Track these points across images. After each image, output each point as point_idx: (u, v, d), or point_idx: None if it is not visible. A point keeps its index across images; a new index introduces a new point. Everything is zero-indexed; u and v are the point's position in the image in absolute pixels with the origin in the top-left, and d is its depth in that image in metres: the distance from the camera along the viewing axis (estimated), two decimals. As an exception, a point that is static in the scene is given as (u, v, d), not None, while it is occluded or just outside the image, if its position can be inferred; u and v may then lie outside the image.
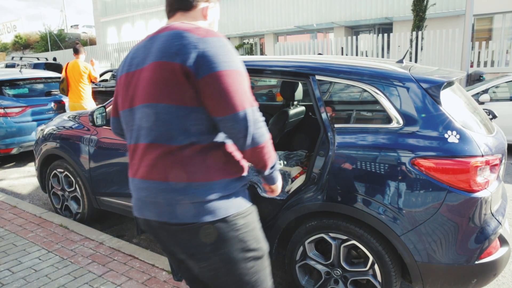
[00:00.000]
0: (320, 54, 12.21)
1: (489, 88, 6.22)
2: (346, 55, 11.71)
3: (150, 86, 1.22)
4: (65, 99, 6.40)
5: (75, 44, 6.17)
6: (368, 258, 2.14)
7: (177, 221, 1.23)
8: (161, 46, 1.21)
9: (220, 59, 1.17)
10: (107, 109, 3.18)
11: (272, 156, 1.32)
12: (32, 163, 6.09)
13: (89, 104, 5.88)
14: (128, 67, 1.33)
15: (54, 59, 15.80)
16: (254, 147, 1.24)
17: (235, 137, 1.22)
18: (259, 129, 1.23)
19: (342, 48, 12.69)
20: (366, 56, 12.59)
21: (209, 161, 1.25)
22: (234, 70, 1.20)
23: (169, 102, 1.20)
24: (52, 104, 6.25)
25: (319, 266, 2.32)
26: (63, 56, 22.13)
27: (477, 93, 6.19)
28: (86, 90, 5.94)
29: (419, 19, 11.36)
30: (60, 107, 6.35)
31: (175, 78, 1.18)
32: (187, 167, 1.22)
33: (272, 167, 1.36)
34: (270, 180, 1.43)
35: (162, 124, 1.22)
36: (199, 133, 1.24)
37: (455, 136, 1.92)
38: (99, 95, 11.88)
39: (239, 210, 1.28)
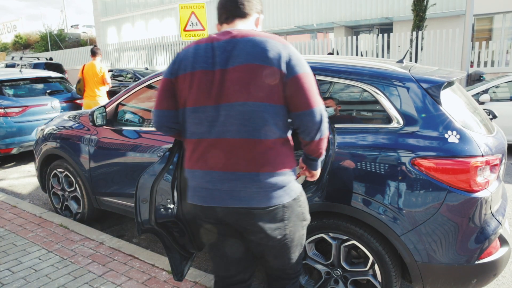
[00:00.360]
0: (330, 53, 12.13)
1: (489, 88, 6.22)
2: (337, 54, 11.67)
3: (245, 86, 1.38)
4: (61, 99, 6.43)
5: (93, 47, 6.63)
6: (368, 258, 2.14)
7: (265, 205, 1.44)
8: (250, 51, 1.39)
9: (301, 63, 1.43)
10: (107, 109, 3.18)
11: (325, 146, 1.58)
12: (32, 163, 6.09)
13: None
14: (205, 65, 1.44)
15: (50, 59, 15.75)
16: (321, 138, 1.50)
17: (310, 129, 1.46)
18: (326, 123, 1.49)
19: (333, 49, 12.69)
20: (366, 56, 12.59)
21: (288, 152, 1.50)
22: (310, 72, 1.46)
23: (265, 101, 1.39)
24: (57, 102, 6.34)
25: (319, 266, 2.32)
26: (63, 56, 22.12)
27: (477, 93, 6.19)
28: (101, 90, 6.37)
29: (419, 19, 11.35)
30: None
31: (272, 80, 1.38)
32: (276, 158, 1.44)
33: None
34: (315, 167, 1.70)
35: (257, 121, 1.39)
36: (283, 128, 1.46)
37: (455, 136, 1.92)
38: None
39: (300, 190, 1.57)
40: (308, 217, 1.66)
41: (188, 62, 1.48)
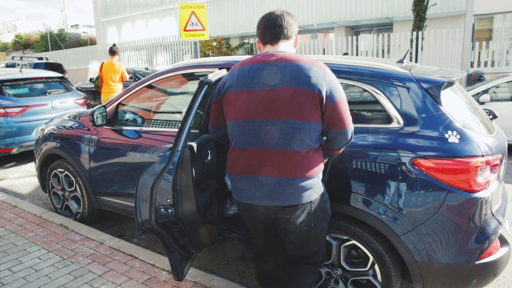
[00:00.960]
0: (346, 54, 12.06)
1: (489, 88, 6.21)
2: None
3: (290, 106, 1.63)
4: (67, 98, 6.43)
5: (112, 46, 7.16)
6: (368, 258, 2.14)
7: (297, 203, 1.71)
8: (295, 75, 1.63)
9: (338, 89, 1.68)
10: (108, 109, 3.18)
11: None
12: (33, 163, 6.09)
13: None
14: (250, 85, 1.69)
15: (40, 58, 15.73)
16: (344, 147, 1.84)
17: (342, 143, 1.77)
18: (353, 138, 1.82)
19: (324, 49, 12.65)
20: (366, 56, 12.59)
21: (318, 158, 1.76)
22: (344, 97, 1.71)
23: (305, 120, 1.63)
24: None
25: (319, 266, 2.31)
26: (63, 56, 22.11)
27: (478, 93, 6.18)
28: (118, 86, 6.89)
29: (419, 19, 11.34)
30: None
31: (312, 103, 1.62)
32: (309, 166, 1.70)
33: None
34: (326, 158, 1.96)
35: (295, 136, 1.65)
36: (316, 140, 1.72)
37: (455, 136, 1.92)
38: (99, 95, 11.87)
39: (323, 188, 1.84)
40: (330, 212, 1.93)
41: (233, 82, 1.73)
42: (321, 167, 1.78)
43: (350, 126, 1.73)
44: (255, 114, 1.68)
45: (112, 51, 6.97)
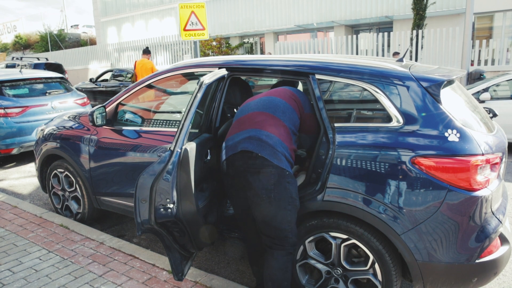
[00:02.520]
0: (396, 53, 11.36)
1: (489, 87, 6.20)
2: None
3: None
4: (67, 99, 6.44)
5: (146, 48, 8.73)
6: (368, 257, 2.13)
7: None
8: None
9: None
10: (107, 109, 3.18)
11: None
12: (33, 163, 6.09)
13: None
14: None
15: (39, 59, 15.73)
16: None
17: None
18: None
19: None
20: (366, 55, 12.56)
21: None
22: None
23: None
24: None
25: (319, 265, 2.31)
26: (64, 56, 22.09)
27: (478, 92, 6.17)
28: None
29: (419, 18, 11.32)
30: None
31: None
32: None
33: None
34: None
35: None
36: None
37: (455, 134, 1.92)
38: (100, 95, 11.87)
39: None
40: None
41: None
42: None
43: None
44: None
45: (147, 51, 8.50)
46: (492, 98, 6.08)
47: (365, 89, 2.17)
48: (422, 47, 11.44)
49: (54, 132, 3.63)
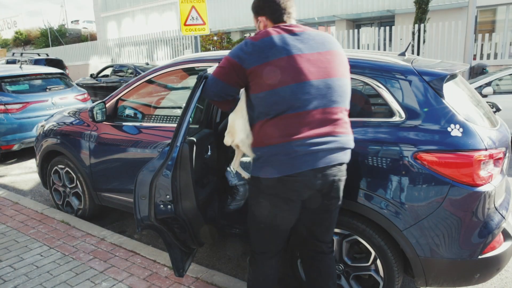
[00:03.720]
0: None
1: (492, 81, 6.16)
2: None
3: (339, 65, 1.74)
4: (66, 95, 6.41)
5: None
6: (370, 253, 2.12)
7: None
8: (325, 41, 1.77)
9: None
10: (107, 105, 3.16)
11: None
12: (34, 159, 6.09)
13: None
14: (300, 51, 1.68)
15: (40, 55, 15.71)
16: None
17: None
18: None
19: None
20: (368, 49, 12.50)
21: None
22: None
23: (348, 78, 1.79)
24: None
25: (321, 261, 2.30)
26: (64, 52, 22.05)
27: (480, 86, 6.13)
28: None
29: (421, 12, 11.23)
30: None
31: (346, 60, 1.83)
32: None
33: None
34: None
35: (347, 93, 1.74)
36: None
37: (458, 129, 1.89)
38: (100, 90, 11.86)
39: None
40: None
41: (280, 49, 1.67)
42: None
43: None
44: (320, 74, 1.69)
45: None
46: (494, 92, 6.03)
47: (367, 84, 2.14)
48: (424, 41, 11.36)
49: (55, 128, 3.62)
